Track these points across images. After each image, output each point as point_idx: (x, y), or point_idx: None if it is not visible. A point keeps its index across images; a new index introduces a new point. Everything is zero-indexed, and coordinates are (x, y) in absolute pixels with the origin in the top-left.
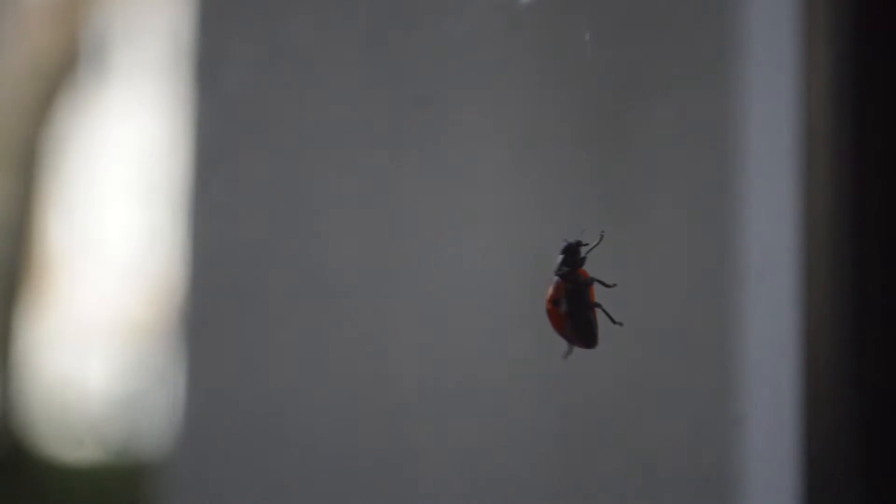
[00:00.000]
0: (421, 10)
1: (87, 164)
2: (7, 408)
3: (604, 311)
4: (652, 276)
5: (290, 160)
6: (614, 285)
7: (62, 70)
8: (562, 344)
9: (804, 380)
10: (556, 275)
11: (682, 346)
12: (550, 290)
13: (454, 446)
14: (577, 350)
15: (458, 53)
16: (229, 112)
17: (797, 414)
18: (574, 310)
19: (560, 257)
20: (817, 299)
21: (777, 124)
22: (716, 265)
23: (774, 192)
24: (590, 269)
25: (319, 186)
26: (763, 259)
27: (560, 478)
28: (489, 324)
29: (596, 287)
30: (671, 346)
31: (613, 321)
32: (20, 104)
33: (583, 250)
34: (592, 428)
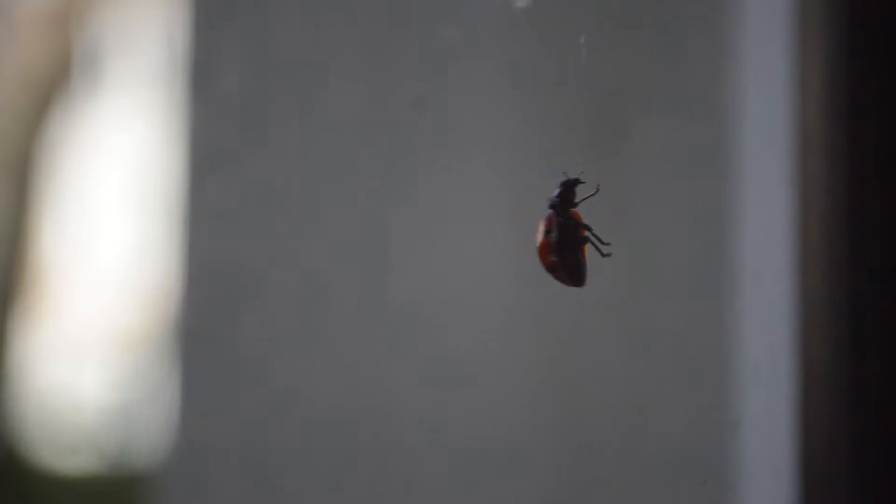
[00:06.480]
0: (417, 13)
1: (81, 172)
2: (1, 417)
3: (592, 242)
4: (648, 279)
5: (285, 167)
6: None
7: (56, 78)
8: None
9: (801, 382)
10: (550, 207)
11: (678, 349)
12: (542, 224)
13: (452, 452)
14: (573, 355)
15: (454, 56)
16: (224, 119)
17: (794, 416)
18: (564, 242)
19: (557, 190)
20: (813, 302)
21: (772, 126)
22: (712, 268)
23: (770, 194)
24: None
25: (315, 193)
26: (759, 262)
27: (557, 480)
28: (487, 327)
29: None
30: (668, 349)
31: (602, 253)
32: (14, 112)
33: (578, 192)
34: (589, 430)
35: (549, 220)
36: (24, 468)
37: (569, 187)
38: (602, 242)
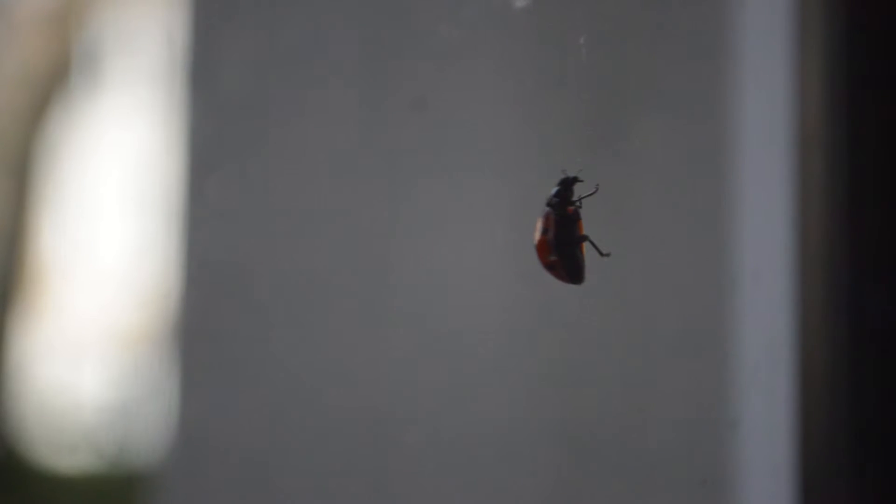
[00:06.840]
0: (417, 13)
1: (81, 171)
2: (1, 415)
3: (591, 243)
4: (647, 279)
5: (285, 167)
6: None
7: (55, 77)
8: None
9: (800, 382)
10: (547, 205)
11: (677, 349)
12: (539, 222)
13: (451, 451)
14: (573, 355)
15: (454, 56)
16: (224, 119)
17: (793, 416)
18: (562, 240)
19: (555, 189)
20: (812, 302)
21: (771, 126)
22: (712, 268)
23: (769, 194)
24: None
25: (315, 192)
26: (759, 262)
27: (557, 480)
28: (485, 328)
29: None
30: (667, 349)
31: (601, 253)
32: (13, 111)
33: (577, 190)
34: (588, 430)
35: (546, 219)
36: (23, 467)
37: (567, 185)
38: (600, 253)
